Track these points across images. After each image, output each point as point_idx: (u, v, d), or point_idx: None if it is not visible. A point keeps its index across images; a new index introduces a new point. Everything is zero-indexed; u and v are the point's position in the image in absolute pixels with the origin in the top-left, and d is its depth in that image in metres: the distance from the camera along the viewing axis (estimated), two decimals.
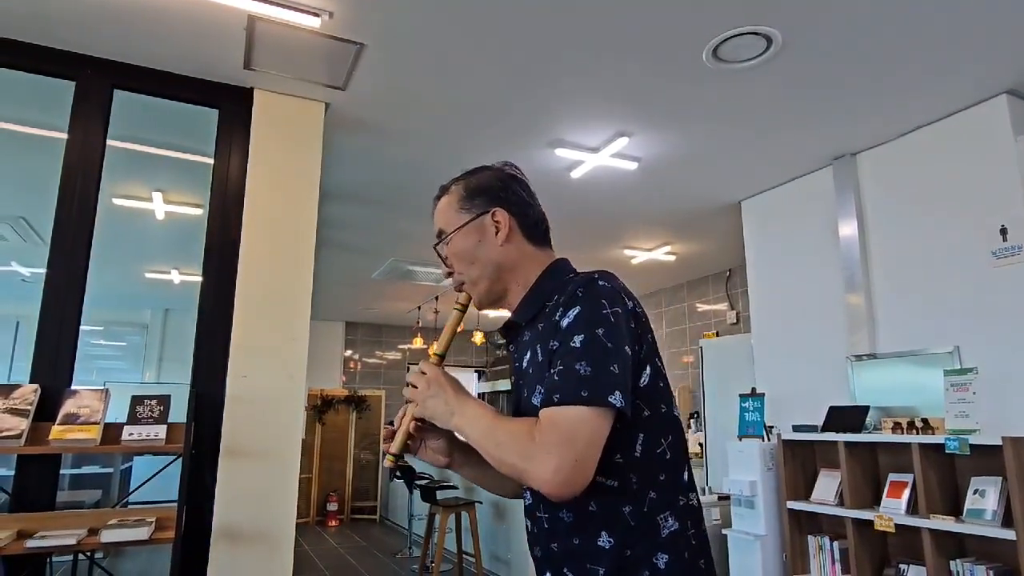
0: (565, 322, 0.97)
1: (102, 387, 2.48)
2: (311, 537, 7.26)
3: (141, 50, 2.69)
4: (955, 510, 2.78)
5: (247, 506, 2.61)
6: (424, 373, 1.07)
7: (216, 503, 2.56)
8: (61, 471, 2.52)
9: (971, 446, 2.63)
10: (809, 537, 3.38)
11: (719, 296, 6.50)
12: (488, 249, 1.11)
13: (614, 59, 2.74)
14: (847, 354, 3.53)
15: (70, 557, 3.28)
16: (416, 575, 5.59)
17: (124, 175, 3.89)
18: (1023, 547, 2.43)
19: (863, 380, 3.44)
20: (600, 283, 0.99)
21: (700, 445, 5.44)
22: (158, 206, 4.33)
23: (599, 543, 0.96)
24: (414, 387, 1.07)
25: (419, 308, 8.47)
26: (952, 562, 2.72)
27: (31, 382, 2.41)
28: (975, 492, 2.70)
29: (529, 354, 1.06)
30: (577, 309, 0.96)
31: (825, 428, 3.33)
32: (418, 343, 8.87)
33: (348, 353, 9.64)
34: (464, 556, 5.30)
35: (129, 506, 3.10)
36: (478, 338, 8.34)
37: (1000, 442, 2.53)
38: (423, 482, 5.58)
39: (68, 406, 2.35)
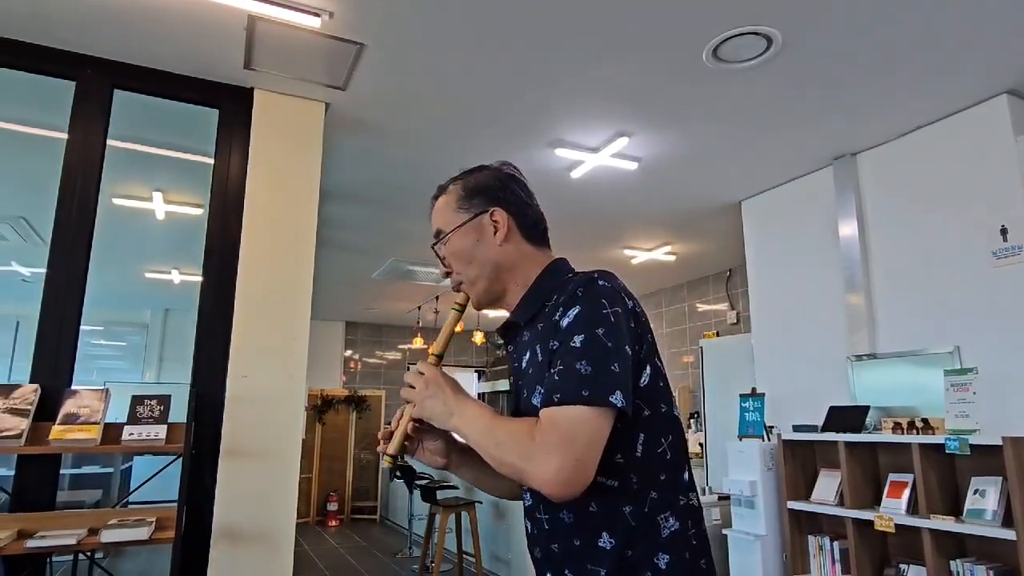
0: (565, 322, 0.96)
1: (102, 387, 2.48)
2: (311, 537, 7.26)
3: (141, 50, 2.69)
4: (955, 510, 2.78)
5: (247, 506, 2.61)
6: (422, 373, 1.06)
7: (216, 503, 2.56)
8: (61, 471, 2.52)
9: (971, 446, 2.63)
10: (809, 537, 3.38)
11: (719, 296, 6.50)
12: (486, 249, 1.11)
13: (614, 59, 2.74)
14: (847, 354, 3.53)
15: (70, 557, 3.28)
16: (416, 575, 5.59)
17: (124, 175, 3.89)
18: (1023, 547, 2.43)
19: (863, 380, 3.44)
20: (600, 282, 0.99)
21: (700, 445, 5.44)
22: (158, 206, 4.33)
23: (600, 544, 0.95)
24: (412, 387, 1.06)
25: (419, 308, 8.47)
26: (952, 562, 2.72)
27: (31, 382, 2.41)
28: (975, 492, 2.70)
29: (528, 354, 1.06)
30: (577, 309, 0.96)
31: (825, 428, 3.33)
32: (418, 343, 8.87)
33: (348, 353, 9.64)
34: (464, 556, 5.30)
35: (129, 506, 3.11)
36: (478, 338, 8.34)
37: (1000, 442, 2.53)
38: (423, 482, 5.58)
39: (68, 406, 2.35)
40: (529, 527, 1.08)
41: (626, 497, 0.95)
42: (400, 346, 10.02)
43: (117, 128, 2.79)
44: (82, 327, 2.53)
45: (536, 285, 1.10)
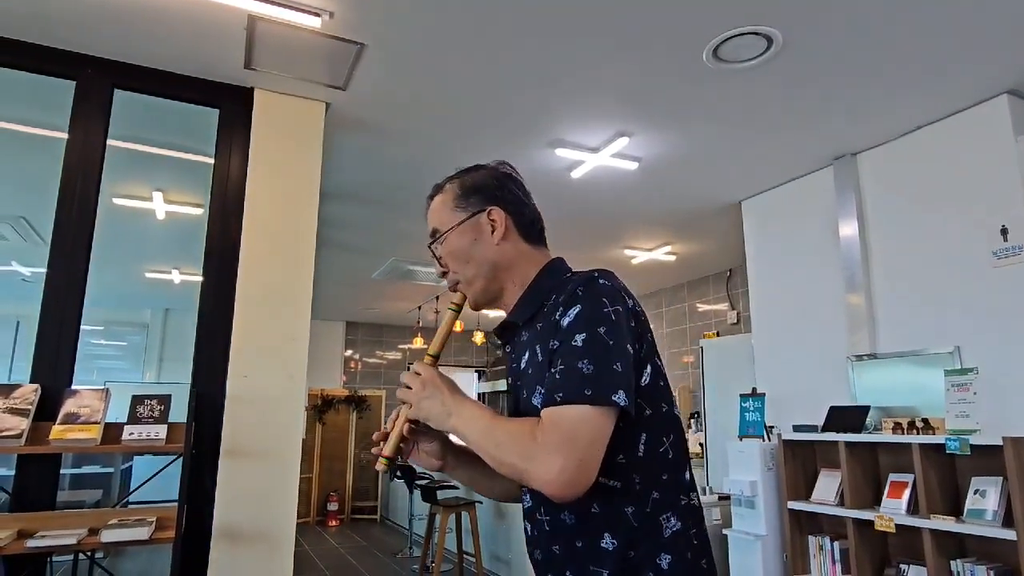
0: (566, 321, 0.96)
1: (102, 387, 2.48)
2: (311, 537, 7.26)
3: (141, 50, 2.69)
4: (955, 510, 2.78)
5: (247, 506, 2.61)
6: (418, 374, 1.04)
7: (216, 503, 2.56)
8: (61, 471, 2.52)
9: (972, 446, 2.63)
10: (809, 537, 3.38)
11: (719, 296, 6.50)
12: (484, 248, 1.10)
13: (614, 59, 2.74)
14: (847, 354, 3.53)
15: (70, 557, 3.28)
16: (416, 575, 5.59)
17: (124, 175, 3.89)
18: (1023, 547, 2.43)
19: (863, 380, 3.44)
20: (600, 281, 0.98)
21: (700, 445, 5.44)
22: (158, 206, 4.33)
23: (602, 544, 0.95)
24: (408, 388, 1.04)
25: (419, 308, 8.47)
26: (952, 562, 2.72)
27: (31, 382, 2.40)
28: (976, 492, 2.70)
29: (528, 354, 1.05)
30: (578, 308, 0.95)
31: (825, 428, 3.33)
32: (418, 343, 8.88)
33: (348, 353, 9.64)
34: (464, 556, 5.30)
35: (129, 506, 3.10)
36: (478, 338, 8.34)
37: (1001, 442, 2.53)
38: (423, 482, 5.58)
39: (68, 406, 2.35)
40: (529, 529, 1.07)
41: (628, 498, 0.95)
42: (400, 346, 10.02)
43: (117, 128, 2.79)
44: (82, 327, 2.53)
45: (534, 284, 1.10)
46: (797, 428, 3.47)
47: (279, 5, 2.36)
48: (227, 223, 2.82)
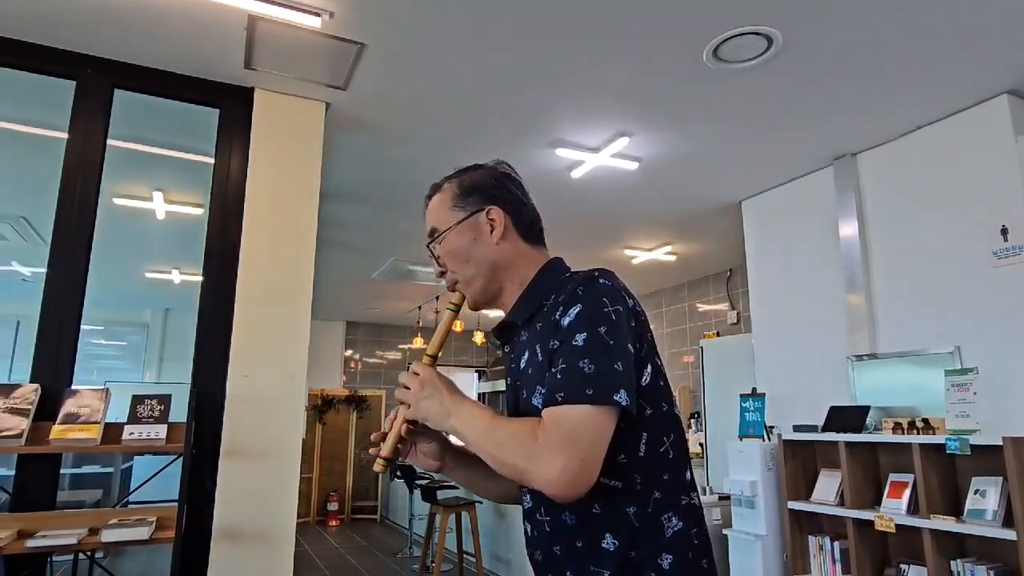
0: (566, 320, 0.95)
1: (102, 387, 2.48)
2: (311, 537, 7.26)
3: (142, 50, 2.69)
4: (956, 510, 2.78)
5: (247, 506, 2.61)
6: (417, 374, 1.04)
7: (216, 503, 2.56)
8: (61, 471, 2.53)
9: (972, 446, 2.63)
10: (810, 537, 3.38)
11: (720, 296, 6.50)
12: (483, 247, 1.10)
13: (614, 59, 2.74)
14: (848, 354, 3.53)
15: (70, 557, 3.28)
16: (417, 575, 5.59)
17: (125, 175, 3.89)
18: (1023, 547, 2.43)
19: (864, 380, 3.44)
20: (600, 281, 0.98)
21: (700, 445, 5.44)
22: (158, 206, 4.33)
23: (603, 545, 0.94)
24: (407, 388, 1.04)
25: (419, 308, 8.47)
26: (953, 562, 2.72)
27: (31, 382, 2.40)
28: (976, 492, 2.70)
29: (527, 354, 1.04)
30: (578, 307, 0.95)
31: (826, 428, 3.33)
32: (419, 343, 8.88)
33: (349, 353, 9.64)
34: (465, 556, 5.30)
35: (129, 506, 3.10)
36: (478, 338, 8.34)
37: (1001, 442, 2.53)
38: (423, 482, 5.58)
39: (68, 406, 2.35)
40: (529, 529, 1.06)
41: (630, 498, 0.95)
42: (400, 346, 10.02)
43: (117, 128, 2.79)
44: (82, 327, 2.53)
45: (534, 284, 1.09)
46: (797, 428, 3.47)
47: (279, 5, 2.36)
48: (227, 223, 2.82)
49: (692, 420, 6.26)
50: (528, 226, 1.14)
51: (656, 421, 0.98)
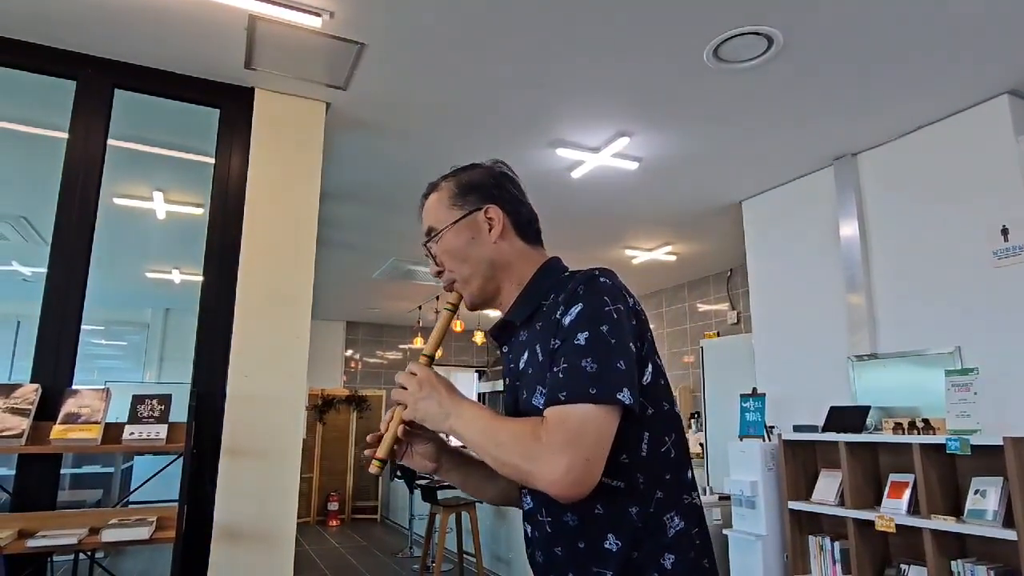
0: (567, 320, 0.95)
1: (103, 387, 2.48)
2: (312, 537, 7.26)
3: (142, 50, 2.69)
4: (956, 510, 2.78)
5: (248, 506, 2.61)
6: (414, 374, 1.03)
7: (217, 503, 2.56)
8: (62, 471, 2.52)
9: (972, 446, 2.63)
10: (810, 537, 3.38)
11: (720, 296, 6.50)
12: (481, 247, 1.09)
13: (614, 59, 2.74)
14: (848, 354, 3.53)
15: (71, 556, 3.28)
16: (417, 575, 5.59)
17: (125, 174, 3.89)
18: None
19: (864, 380, 3.43)
20: (601, 280, 0.97)
21: (701, 445, 5.44)
22: (159, 206, 4.33)
23: (606, 545, 0.94)
24: (404, 389, 1.03)
25: (420, 308, 8.47)
26: (953, 562, 2.72)
27: (32, 382, 2.40)
28: (976, 492, 2.70)
29: (527, 354, 1.04)
30: (579, 306, 0.95)
31: (826, 428, 3.33)
32: (419, 343, 8.87)
33: (349, 353, 9.64)
34: (465, 556, 5.30)
35: (130, 505, 3.11)
36: (479, 338, 8.34)
37: (1001, 442, 2.52)
38: (424, 482, 5.58)
39: (69, 405, 2.35)
40: (529, 530, 1.06)
41: (632, 498, 0.94)
42: (401, 346, 10.02)
43: (118, 128, 2.79)
44: (83, 327, 2.53)
45: (532, 283, 1.09)
46: (797, 428, 3.47)
47: (279, 5, 2.36)
48: (228, 223, 2.82)
49: (692, 420, 6.26)
50: (526, 225, 1.13)
51: (657, 420, 0.98)
